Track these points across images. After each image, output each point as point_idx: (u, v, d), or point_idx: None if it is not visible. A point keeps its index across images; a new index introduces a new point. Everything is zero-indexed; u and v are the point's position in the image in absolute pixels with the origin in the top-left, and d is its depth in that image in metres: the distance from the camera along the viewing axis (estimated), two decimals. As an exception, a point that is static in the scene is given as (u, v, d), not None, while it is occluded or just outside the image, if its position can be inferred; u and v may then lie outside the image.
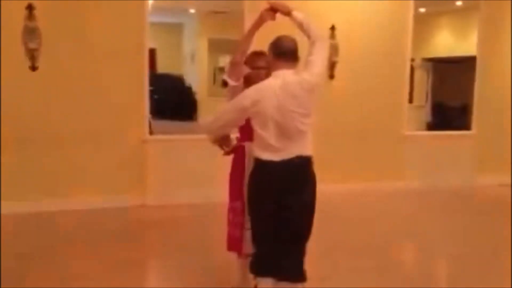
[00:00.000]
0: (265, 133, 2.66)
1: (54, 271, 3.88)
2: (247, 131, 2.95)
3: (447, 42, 9.70)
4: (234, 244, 3.21)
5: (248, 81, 3.00)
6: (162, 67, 11.34)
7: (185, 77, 11.35)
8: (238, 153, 3.15)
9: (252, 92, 2.70)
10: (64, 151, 5.43)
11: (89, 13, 5.40)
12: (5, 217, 4.99)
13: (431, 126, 9.60)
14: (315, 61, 2.69)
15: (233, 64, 3.05)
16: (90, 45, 5.43)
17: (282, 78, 2.66)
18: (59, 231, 4.94)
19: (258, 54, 3.08)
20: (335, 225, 5.22)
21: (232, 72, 3.05)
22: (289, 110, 2.62)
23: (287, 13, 2.82)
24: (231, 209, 3.23)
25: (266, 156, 2.70)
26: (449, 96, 9.73)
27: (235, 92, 2.94)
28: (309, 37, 2.75)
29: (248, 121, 2.80)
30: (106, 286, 3.59)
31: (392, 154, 6.93)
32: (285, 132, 2.65)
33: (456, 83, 9.21)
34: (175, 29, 11.49)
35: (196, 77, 10.90)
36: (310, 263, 2.91)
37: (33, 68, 5.19)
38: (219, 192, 5.69)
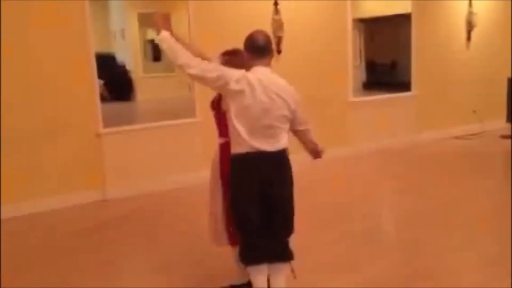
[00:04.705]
0: (239, 125, 2.68)
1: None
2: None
3: (379, 2, 9.91)
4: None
5: None
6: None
7: (116, 56, 10.87)
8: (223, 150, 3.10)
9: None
10: (15, 153, 5.10)
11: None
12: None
13: (366, 85, 9.91)
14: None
15: None
16: (29, 39, 5.13)
17: (263, 75, 2.72)
18: (18, 237, 4.64)
19: (235, 52, 3.03)
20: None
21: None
22: (265, 108, 2.67)
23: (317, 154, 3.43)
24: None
25: (239, 149, 2.73)
26: (379, 54, 10.05)
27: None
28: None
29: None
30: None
31: (338, 121, 7.11)
32: (259, 128, 2.69)
33: (385, 41, 9.51)
34: (102, 5, 10.90)
35: (128, 54, 10.47)
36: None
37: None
38: (179, 178, 5.72)
